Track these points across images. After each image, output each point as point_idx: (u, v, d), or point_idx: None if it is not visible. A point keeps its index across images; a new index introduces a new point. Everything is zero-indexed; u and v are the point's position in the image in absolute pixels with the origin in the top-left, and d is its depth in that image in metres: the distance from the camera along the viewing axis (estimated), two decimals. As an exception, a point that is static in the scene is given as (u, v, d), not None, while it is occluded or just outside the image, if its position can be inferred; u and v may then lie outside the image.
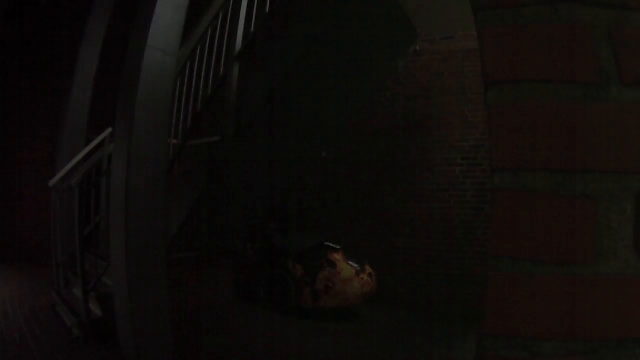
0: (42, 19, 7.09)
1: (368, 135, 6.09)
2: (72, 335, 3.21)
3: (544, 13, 0.67)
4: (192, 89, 3.55)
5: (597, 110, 0.64)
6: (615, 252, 0.62)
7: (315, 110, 4.19)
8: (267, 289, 5.22)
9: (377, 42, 3.98)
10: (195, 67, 3.54)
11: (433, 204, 5.55)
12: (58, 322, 3.51)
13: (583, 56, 0.65)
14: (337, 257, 4.95)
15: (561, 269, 0.63)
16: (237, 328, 4.49)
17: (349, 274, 4.82)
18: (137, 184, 2.81)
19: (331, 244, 5.36)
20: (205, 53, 3.51)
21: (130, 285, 2.76)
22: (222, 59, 3.54)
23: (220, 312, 5.01)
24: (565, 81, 0.65)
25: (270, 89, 3.51)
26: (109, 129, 4.24)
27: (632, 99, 0.63)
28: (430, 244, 5.51)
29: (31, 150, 7.07)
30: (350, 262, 4.94)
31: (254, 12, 3.57)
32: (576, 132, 0.64)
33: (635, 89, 0.63)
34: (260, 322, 4.80)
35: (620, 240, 0.62)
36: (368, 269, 5.02)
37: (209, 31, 3.56)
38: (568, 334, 0.61)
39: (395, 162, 5.85)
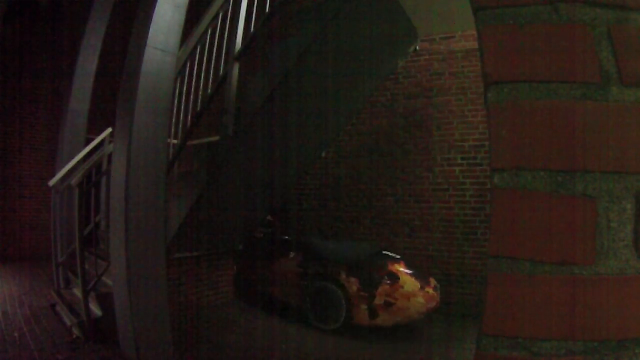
0: (42, 19, 7.10)
1: (368, 135, 6.10)
2: (72, 335, 3.21)
3: (544, 13, 0.67)
4: (192, 89, 3.55)
5: (597, 110, 0.64)
6: (615, 252, 0.62)
7: (315, 110, 4.18)
8: (312, 305, 4.57)
9: (377, 42, 3.98)
10: (195, 67, 3.54)
11: (433, 204, 5.55)
12: (58, 322, 3.51)
13: (583, 56, 0.65)
14: (399, 268, 4.35)
15: (561, 269, 0.63)
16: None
17: (413, 287, 4.22)
18: (137, 184, 2.81)
19: (390, 253, 4.76)
20: (205, 53, 3.51)
21: (130, 285, 2.76)
22: (222, 59, 3.54)
23: (239, 326, 4.55)
24: (565, 81, 0.65)
25: (270, 89, 3.50)
26: (109, 129, 4.24)
27: (632, 99, 0.63)
28: (430, 244, 5.52)
29: (31, 150, 7.08)
30: (414, 275, 4.37)
31: (254, 12, 3.57)
32: (576, 132, 0.64)
33: (635, 89, 0.63)
34: (309, 342, 4.19)
35: (620, 240, 0.62)
36: (433, 281, 4.51)
37: (209, 31, 3.55)
38: (568, 334, 0.61)
39: (395, 162, 5.85)
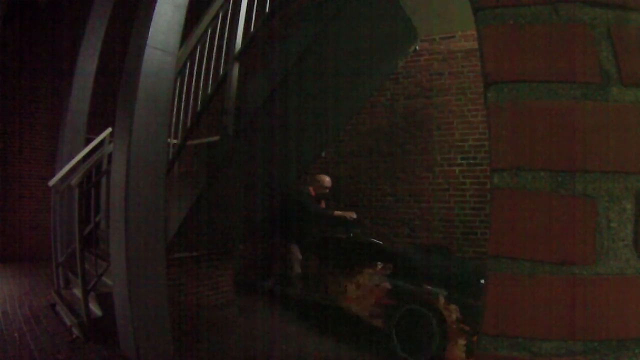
0: (42, 20, 7.10)
1: (368, 135, 6.10)
2: (72, 335, 3.21)
3: (544, 13, 0.67)
4: (192, 89, 3.55)
5: (597, 110, 0.64)
6: (615, 252, 0.62)
7: (315, 110, 4.18)
8: (397, 330, 3.77)
9: (377, 42, 3.98)
10: (195, 67, 3.54)
11: (433, 204, 5.55)
12: (58, 322, 3.51)
13: (583, 56, 0.65)
14: None
15: (561, 269, 0.63)
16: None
17: None
18: (137, 184, 2.81)
19: None
20: (205, 53, 3.51)
21: (130, 285, 2.76)
22: (222, 59, 3.54)
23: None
24: (565, 81, 0.65)
25: (270, 89, 3.50)
26: (109, 129, 4.25)
27: (632, 99, 0.63)
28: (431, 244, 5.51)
29: (31, 150, 7.08)
30: None
31: (254, 12, 3.57)
32: (576, 132, 0.64)
33: (635, 89, 0.63)
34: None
35: (620, 240, 0.62)
36: None
37: (209, 31, 3.55)
38: (568, 334, 0.61)
39: (395, 162, 5.85)
